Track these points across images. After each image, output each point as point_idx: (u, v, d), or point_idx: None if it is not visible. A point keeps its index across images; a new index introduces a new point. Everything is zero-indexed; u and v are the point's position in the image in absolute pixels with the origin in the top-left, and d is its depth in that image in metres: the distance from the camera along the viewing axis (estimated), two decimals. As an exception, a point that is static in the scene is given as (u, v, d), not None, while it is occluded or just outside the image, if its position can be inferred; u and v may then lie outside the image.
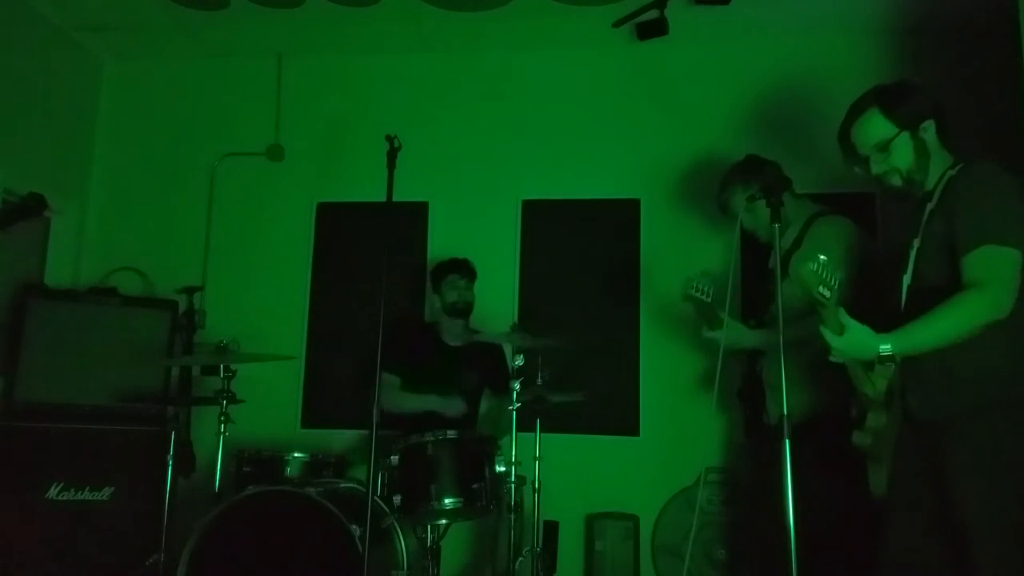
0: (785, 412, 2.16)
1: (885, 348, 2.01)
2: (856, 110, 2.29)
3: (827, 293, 1.90)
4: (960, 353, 2.01)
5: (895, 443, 2.21)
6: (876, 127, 2.24)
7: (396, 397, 3.55)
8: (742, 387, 3.19)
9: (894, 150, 2.22)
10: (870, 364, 2.15)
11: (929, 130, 2.23)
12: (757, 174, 2.93)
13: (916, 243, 2.20)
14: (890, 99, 2.25)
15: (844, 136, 2.32)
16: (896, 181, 2.26)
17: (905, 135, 2.22)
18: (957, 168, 2.19)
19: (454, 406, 3.53)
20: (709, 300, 2.73)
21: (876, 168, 2.26)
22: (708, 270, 2.82)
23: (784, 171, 2.92)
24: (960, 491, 2.04)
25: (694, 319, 3.02)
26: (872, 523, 2.72)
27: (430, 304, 3.95)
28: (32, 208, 2.78)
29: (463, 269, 3.76)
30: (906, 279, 2.20)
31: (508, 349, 3.69)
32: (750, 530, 3.45)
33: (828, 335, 2.02)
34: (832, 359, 2.08)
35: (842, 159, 2.35)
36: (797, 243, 2.87)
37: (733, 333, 2.85)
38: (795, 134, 3.84)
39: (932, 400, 2.10)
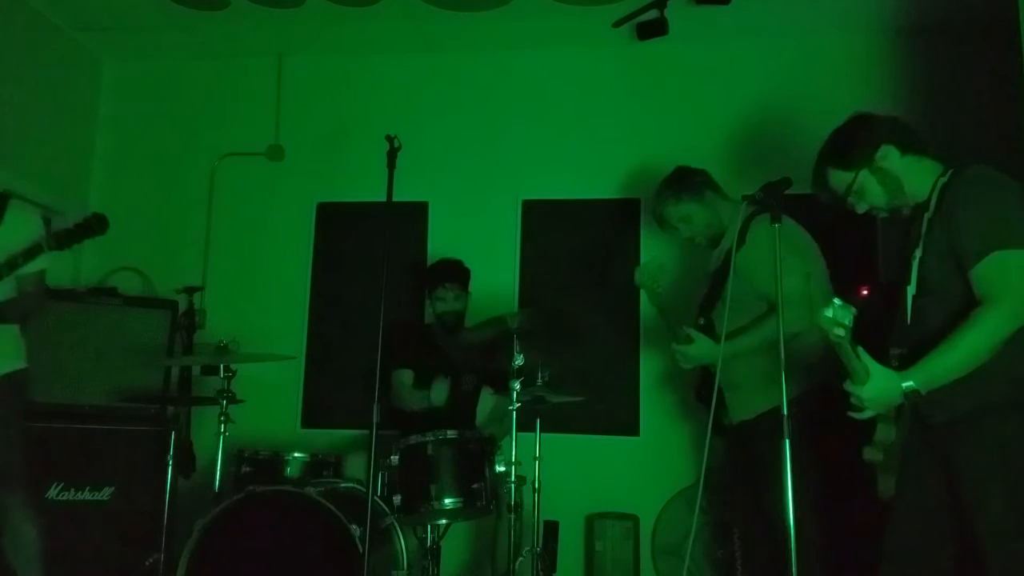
0: (785, 412, 2.17)
1: (909, 385, 2.01)
2: (817, 175, 2.36)
3: (842, 332, 1.92)
4: None
5: (903, 445, 2.20)
6: (837, 180, 2.30)
7: (408, 394, 3.57)
8: (699, 386, 3.20)
9: (863, 190, 2.27)
10: None
11: (888, 155, 2.24)
12: (687, 185, 3.10)
13: (918, 253, 2.18)
14: (834, 151, 2.31)
15: (822, 190, 2.37)
16: (882, 214, 2.31)
17: (864, 173, 2.25)
18: (949, 174, 2.18)
19: (439, 393, 3.51)
20: (659, 290, 2.81)
21: (860, 208, 2.32)
22: (664, 263, 3.02)
23: (711, 177, 3.17)
24: (970, 492, 2.04)
25: (663, 327, 3.16)
26: (839, 518, 2.74)
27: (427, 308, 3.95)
28: (95, 228, 2.82)
29: (453, 278, 3.69)
30: (910, 290, 2.19)
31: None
32: (731, 530, 3.46)
33: (855, 389, 2.03)
34: (860, 416, 2.09)
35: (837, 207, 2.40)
36: (740, 241, 2.91)
37: (703, 349, 2.90)
38: (795, 134, 3.83)
39: (943, 402, 2.09)
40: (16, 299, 2.90)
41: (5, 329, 2.90)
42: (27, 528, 2.83)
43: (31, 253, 2.78)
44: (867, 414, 2.08)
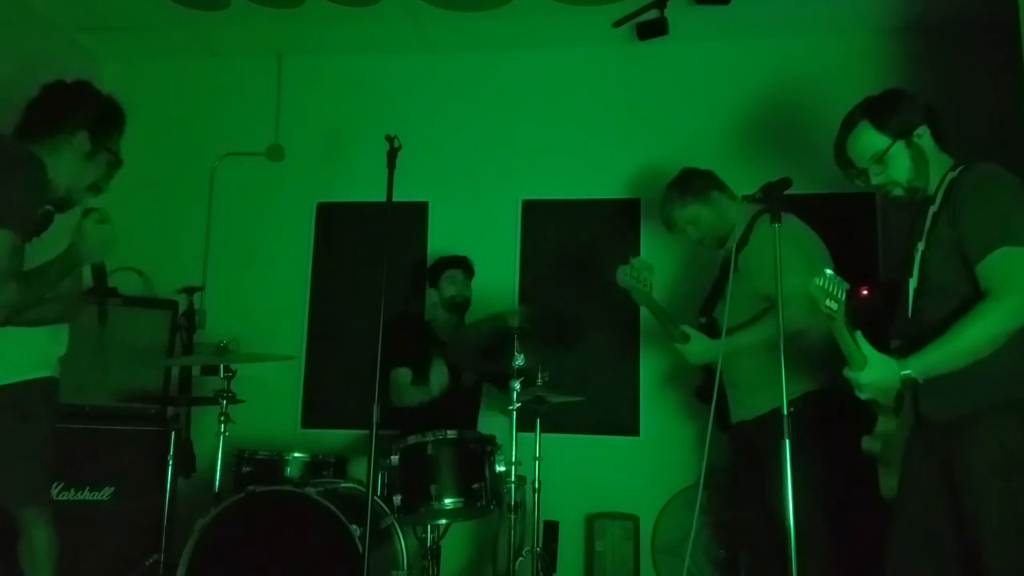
0: (786, 412, 2.17)
1: (907, 373, 2.03)
2: (847, 125, 2.30)
3: (834, 306, 1.92)
4: None
5: (906, 445, 2.20)
6: (869, 140, 2.24)
7: (406, 392, 3.56)
8: (701, 385, 3.20)
9: (891, 161, 2.22)
10: None
11: (924, 136, 2.23)
12: (692, 188, 3.08)
13: (920, 246, 2.19)
14: (880, 111, 2.25)
15: (840, 151, 2.32)
16: (897, 192, 2.26)
17: (900, 144, 2.22)
18: (958, 170, 2.18)
19: (439, 374, 3.51)
20: (647, 288, 2.76)
21: (875, 180, 2.26)
22: (648, 262, 2.96)
23: (717, 178, 3.14)
24: (970, 492, 2.04)
25: (659, 328, 3.11)
26: (844, 514, 2.74)
27: (429, 301, 3.95)
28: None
29: (462, 265, 3.79)
30: (912, 283, 2.20)
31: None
32: (736, 528, 3.46)
33: (854, 375, 2.04)
34: (861, 395, 2.11)
35: (842, 173, 2.36)
36: (744, 241, 2.91)
37: (701, 346, 2.91)
38: (795, 134, 3.84)
39: (943, 401, 2.10)
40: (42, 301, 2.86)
41: (31, 332, 2.85)
42: (43, 541, 2.80)
43: None
44: (865, 395, 2.10)
